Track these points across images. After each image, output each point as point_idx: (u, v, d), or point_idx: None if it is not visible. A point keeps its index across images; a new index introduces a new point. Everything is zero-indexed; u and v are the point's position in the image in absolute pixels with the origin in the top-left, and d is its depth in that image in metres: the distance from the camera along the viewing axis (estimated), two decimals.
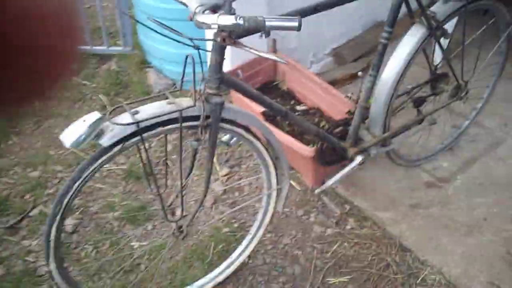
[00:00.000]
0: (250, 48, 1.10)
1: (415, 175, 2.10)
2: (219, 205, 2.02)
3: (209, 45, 1.23)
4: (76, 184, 1.21)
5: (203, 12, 1.10)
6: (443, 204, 1.96)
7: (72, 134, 1.13)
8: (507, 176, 2.07)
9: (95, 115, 1.16)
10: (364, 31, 2.87)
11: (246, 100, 2.01)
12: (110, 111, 1.22)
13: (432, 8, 1.65)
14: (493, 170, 2.11)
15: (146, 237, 1.88)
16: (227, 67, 2.22)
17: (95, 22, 2.86)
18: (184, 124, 1.27)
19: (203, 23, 1.01)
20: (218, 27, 1.01)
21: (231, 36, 1.11)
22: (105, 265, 1.76)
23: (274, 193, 1.63)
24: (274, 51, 2.29)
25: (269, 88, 2.35)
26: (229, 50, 2.17)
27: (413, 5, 1.57)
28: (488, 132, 2.30)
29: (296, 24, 0.95)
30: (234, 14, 1.05)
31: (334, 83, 2.50)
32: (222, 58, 1.24)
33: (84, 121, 1.15)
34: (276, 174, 1.59)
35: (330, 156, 1.79)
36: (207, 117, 1.28)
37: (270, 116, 2.09)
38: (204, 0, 1.13)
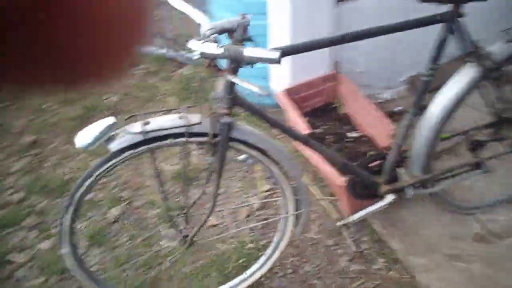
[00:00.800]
0: (234, 77, 1.11)
1: (465, 223, 1.92)
2: (252, 219, 2.04)
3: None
4: (87, 183, 1.32)
5: (213, 34, 1.14)
6: (488, 262, 1.77)
7: (85, 136, 1.24)
8: None
9: (109, 120, 1.26)
10: (447, 62, 2.67)
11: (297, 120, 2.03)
12: (125, 119, 1.32)
13: (491, 48, 1.51)
14: None
15: (176, 238, 1.97)
16: (286, 84, 2.25)
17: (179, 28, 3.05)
18: (193, 139, 1.32)
19: (189, 48, 1.05)
20: (201, 54, 1.04)
21: (213, 63, 1.13)
22: (133, 258, 1.88)
23: (292, 218, 1.61)
24: (336, 73, 2.25)
25: (327, 110, 2.32)
26: (289, 67, 2.22)
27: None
28: None
29: (275, 57, 0.95)
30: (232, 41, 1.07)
31: (402, 112, 2.39)
32: (231, 84, 1.26)
33: (97, 125, 1.25)
34: (295, 200, 1.57)
35: (363, 190, 1.72)
36: (216, 135, 1.32)
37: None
38: (217, 23, 1.17)
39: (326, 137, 2.16)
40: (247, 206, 2.08)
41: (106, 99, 2.71)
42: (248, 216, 2.06)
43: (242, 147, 1.39)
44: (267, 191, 2.16)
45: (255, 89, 1.02)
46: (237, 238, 1.95)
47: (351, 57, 2.38)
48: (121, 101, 2.68)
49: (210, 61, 1.12)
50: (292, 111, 2.07)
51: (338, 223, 1.75)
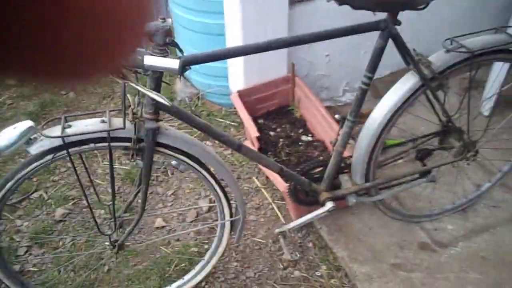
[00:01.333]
0: (136, 84, 1.07)
1: (412, 232, 1.91)
2: (198, 223, 2.01)
3: None
4: (8, 185, 1.28)
5: None
6: (430, 271, 1.75)
7: (3, 138, 1.20)
8: None
9: (26, 124, 1.22)
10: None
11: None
12: (45, 122, 1.29)
13: (431, 57, 1.48)
14: (505, 245, 1.84)
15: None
16: (240, 86, 2.22)
17: None
18: (116, 144, 1.29)
19: None
20: None
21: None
22: (75, 259, 1.85)
23: (228, 225, 1.59)
24: (293, 75, 2.22)
25: (283, 113, 2.29)
26: (242, 68, 2.18)
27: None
28: None
29: (175, 66, 0.91)
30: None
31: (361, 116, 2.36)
32: (157, 85, 1.23)
33: (15, 128, 1.21)
34: (229, 206, 1.55)
35: (304, 196, 1.70)
36: (141, 140, 1.28)
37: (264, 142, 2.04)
38: None
39: (280, 140, 2.13)
40: (195, 208, 2.05)
41: (64, 94, 2.66)
42: (195, 218, 2.03)
43: (170, 152, 1.36)
44: None
45: (158, 98, 0.99)
46: (182, 241, 1.93)
47: (312, 59, 2.35)
48: (78, 97, 2.63)
49: None
50: (243, 113, 2.03)
51: (276, 230, 1.72)
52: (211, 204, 2.02)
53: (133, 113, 1.27)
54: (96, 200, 2.06)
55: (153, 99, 1.23)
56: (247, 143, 1.96)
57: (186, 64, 1.08)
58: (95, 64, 0.30)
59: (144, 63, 0.95)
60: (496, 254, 1.81)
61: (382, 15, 1.34)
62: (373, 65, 1.41)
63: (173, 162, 1.44)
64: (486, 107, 2.36)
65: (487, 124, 1.67)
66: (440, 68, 1.46)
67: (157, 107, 1.27)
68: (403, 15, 1.33)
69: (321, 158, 1.98)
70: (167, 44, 1.16)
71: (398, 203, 2.01)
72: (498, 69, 2.10)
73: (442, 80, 1.48)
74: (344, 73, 2.51)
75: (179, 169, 1.44)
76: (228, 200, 1.53)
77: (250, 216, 2.02)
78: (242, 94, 2.16)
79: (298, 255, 1.84)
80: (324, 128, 2.04)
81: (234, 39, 2.11)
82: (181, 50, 1.23)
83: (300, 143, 2.12)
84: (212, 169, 1.47)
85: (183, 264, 1.82)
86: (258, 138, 1.95)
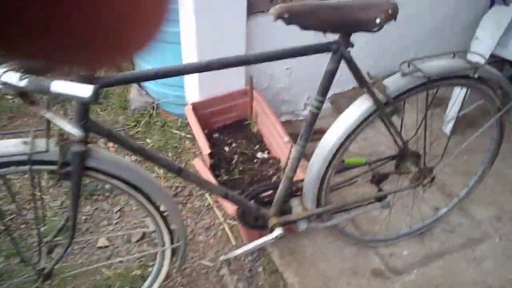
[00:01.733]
0: (45, 112, 0.96)
1: (367, 257, 1.84)
2: (144, 243, 1.90)
3: None
4: None
5: None
6: None
7: None
8: (473, 284, 1.75)
9: None
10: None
11: None
12: None
13: (386, 80, 1.41)
14: (460, 271, 1.79)
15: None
16: (195, 97, 2.11)
17: None
18: (39, 167, 1.17)
19: None
20: (4, 83, 0.88)
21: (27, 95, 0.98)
22: (5, 280, 1.71)
23: (168, 251, 1.48)
24: (251, 89, 2.13)
25: (240, 127, 2.19)
26: (196, 82, 2.07)
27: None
28: (474, 225, 1.97)
29: (86, 95, 0.81)
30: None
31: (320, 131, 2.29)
32: (84, 107, 1.11)
33: None
34: (169, 233, 1.44)
35: (254, 220, 1.61)
36: (67, 163, 1.17)
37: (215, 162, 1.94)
38: None
39: (234, 156, 2.03)
40: (141, 228, 1.93)
41: (11, 99, 2.50)
42: (141, 239, 1.91)
43: (101, 177, 1.25)
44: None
45: (67, 128, 0.88)
46: (126, 263, 1.81)
47: (272, 72, 2.26)
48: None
49: (19, 93, 0.96)
50: (196, 128, 1.93)
51: (221, 258, 1.63)
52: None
53: (60, 135, 1.16)
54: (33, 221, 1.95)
55: (80, 118, 1.12)
56: (199, 159, 1.86)
57: (104, 86, 0.97)
58: (107, 52, 0.29)
59: (51, 89, 0.83)
60: (450, 281, 1.76)
61: (334, 36, 1.26)
62: (324, 88, 1.33)
63: (107, 186, 1.33)
64: (448, 127, 2.32)
65: (444, 149, 1.61)
66: (395, 92, 1.39)
67: (85, 128, 1.15)
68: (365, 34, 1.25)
69: (272, 180, 1.90)
70: None
71: (354, 226, 1.94)
72: (458, 91, 2.07)
73: (397, 105, 1.41)
74: (306, 87, 2.43)
75: (114, 192, 1.33)
76: (168, 226, 1.43)
77: (199, 236, 1.92)
78: (196, 107, 2.06)
79: (246, 284, 1.75)
80: (280, 145, 1.96)
81: (189, 48, 2.00)
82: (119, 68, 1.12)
83: (255, 160, 2.03)
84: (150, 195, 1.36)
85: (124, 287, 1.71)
86: (211, 155, 1.85)
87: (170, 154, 2.24)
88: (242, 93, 2.14)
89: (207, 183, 1.41)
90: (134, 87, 2.44)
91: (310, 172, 1.51)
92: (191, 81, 2.13)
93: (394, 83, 1.40)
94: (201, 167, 1.79)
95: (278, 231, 1.54)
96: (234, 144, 2.10)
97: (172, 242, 1.47)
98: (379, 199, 1.69)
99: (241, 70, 2.11)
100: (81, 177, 1.20)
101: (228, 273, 1.77)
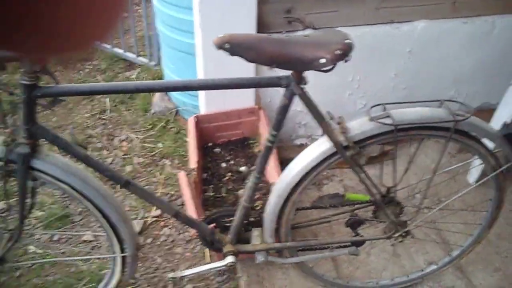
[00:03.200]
0: None
1: None
2: None
3: None
4: None
5: None
6: None
7: None
8: None
9: None
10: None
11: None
12: None
13: (353, 123, 1.33)
14: None
15: (47, 246, 1.93)
16: (202, 110, 2.14)
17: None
18: None
19: None
20: None
21: None
22: None
23: (119, 259, 1.52)
24: (258, 108, 2.11)
25: (244, 145, 2.18)
26: (203, 94, 2.10)
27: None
28: None
29: None
30: None
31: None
32: (30, 111, 1.18)
33: None
34: (119, 241, 1.47)
35: (210, 244, 1.59)
36: (12, 161, 1.25)
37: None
38: None
39: (228, 174, 2.02)
40: None
41: None
42: None
43: (48, 178, 1.31)
44: (157, 217, 2.06)
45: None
46: (102, 259, 1.88)
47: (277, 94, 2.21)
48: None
49: None
50: (192, 140, 1.95)
51: (169, 275, 1.62)
52: None
53: (10, 134, 1.24)
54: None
55: (26, 122, 1.19)
56: (185, 171, 1.88)
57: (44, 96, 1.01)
58: (69, 41, 0.29)
59: None
60: None
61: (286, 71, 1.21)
62: (277, 122, 1.28)
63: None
64: (472, 177, 2.12)
65: (421, 202, 1.46)
66: (358, 137, 1.30)
67: (31, 132, 1.21)
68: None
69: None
70: (36, 72, 1.12)
71: (334, 265, 1.84)
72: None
73: (359, 150, 1.32)
74: (325, 111, 2.35)
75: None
76: (117, 235, 1.46)
77: (177, 248, 1.93)
78: (201, 120, 2.08)
79: None
80: (272, 169, 1.91)
81: (199, 64, 2.02)
82: (55, 79, 1.17)
83: (247, 181, 1.99)
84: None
85: (92, 284, 1.77)
86: (198, 169, 1.86)
87: (176, 161, 2.28)
88: (250, 112, 2.12)
89: (157, 200, 1.42)
90: (158, 92, 2.53)
91: (269, 206, 1.46)
92: (201, 93, 2.15)
93: (359, 127, 1.31)
94: (183, 181, 1.80)
95: (229, 259, 1.51)
96: (232, 162, 2.09)
97: (122, 251, 1.50)
98: (352, 244, 1.59)
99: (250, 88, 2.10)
100: (26, 176, 1.27)
101: None
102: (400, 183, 1.46)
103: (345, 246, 1.60)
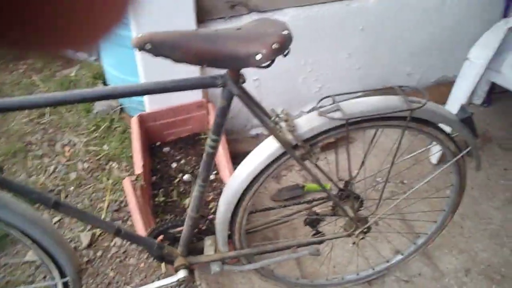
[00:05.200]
0: None
1: None
2: None
3: None
4: None
5: None
6: None
7: None
8: None
9: None
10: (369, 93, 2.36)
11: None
12: None
13: (301, 119, 1.21)
14: None
15: None
16: (147, 108, 1.98)
17: None
18: None
19: None
20: None
21: None
22: None
23: (60, 285, 1.37)
24: (207, 101, 1.97)
25: (195, 141, 2.04)
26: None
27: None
28: (436, 277, 1.72)
29: None
30: None
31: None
32: None
33: None
34: (57, 266, 1.33)
35: (160, 258, 1.46)
36: None
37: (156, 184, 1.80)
38: None
39: (179, 175, 1.89)
40: (73, 242, 1.84)
41: None
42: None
43: None
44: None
45: None
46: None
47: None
48: None
49: None
50: (135, 143, 1.80)
51: None
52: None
53: None
54: None
55: None
56: (130, 178, 1.73)
57: None
58: (67, 37, 0.27)
59: None
60: None
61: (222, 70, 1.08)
62: (217, 127, 1.15)
63: None
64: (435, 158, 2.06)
65: (380, 197, 1.38)
66: (308, 134, 1.19)
67: None
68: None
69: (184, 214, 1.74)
70: None
71: (297, 264, 1.75)
72: None
73: (310, 148, 1.21)
74: (280, 99, 2.24)
75: None
76: (54, 260, 1.31)
77: (130, 259, 1.80)
78: (145, 119, 1.93)
79: None
80: (224, 167, 1.79)
81: (138, 59, 1.86)
82: None
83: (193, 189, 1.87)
84: None
85: None
86: (144, 173, 1.72)
87: (124, 164, 2.13)
88: (198, 106, 1.98)
89: (93, 219, 1.27)
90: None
91: (219, 213, 1.34)
92: None
93: (308, 123, 1.19)
94: (128, 189, 1.66)
95: (181, 274, 1.39)
96: (182, 161, 1.95)
97: (62, 276, 1.35)
98: (313, 243, 1.50)
99: None
100: None
101: None
102: (360, 174, 1.36)
103: (307, 244, 1.51)
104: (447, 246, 1.81)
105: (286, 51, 1.02)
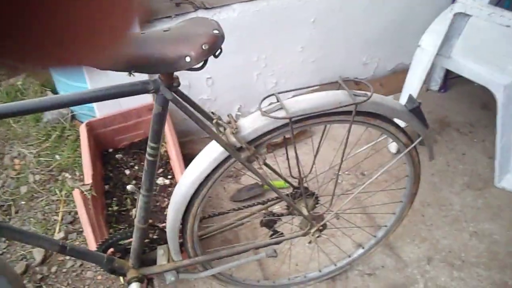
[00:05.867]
0: None
1: None
2: (27, 276, 1.73)
3: None
4: None
5: None
6: None
7: None
8: None
9: None
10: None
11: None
12: None
13: (245, 119, 1.17)
14: None
15: None
16: (97, 113, 1.91)
17: None
18: None
19: None
20: None
21: None
22: None
23: None
24: None
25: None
26: None
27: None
28: (399, 267, 1.71)
29: None
30: None
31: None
32: None
33: None
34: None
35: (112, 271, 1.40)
36: None
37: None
38: None
39: (132, 182, 1.83)
40: (25, 261, 1.76)
41: None
42: (25, 271, 1.74)
43: None
44: (64, 239, 1.84)
45: None
46: None
47: (190, 82, 2.02)
48: None
49: None
50: (84, 151, 1.73)
51: None
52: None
53: None
54: None
55: None
56: (80, 189, 1.66)
57: None
58: (73, 50, 0.26)
59: None
60: None
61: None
62: (155, 133, 1.09)
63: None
64: (393, 147, 2.05)
65: (333, 193, 1.34)
66: (252, 135, 1.14)
67: None
68: None
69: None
70: None
71: (259, 264, 1.72)
72: None
73: (255, 149, 1.16)
74: (235, 96, 2.19)
75: None
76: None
77: (87, 272, 1.73)
78: (94, 126, 1.85)
79: None
80: (177, 169, 1.73)
81: None
82: None
83: (154, 187, 1.81)
84: None
85: None
86: (97, 182, 1.65)
87: (77, 173, 2.05)
88: (150, 109, 1.92)
89: (33, 237, 1.20)
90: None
91: (168, 221, 1.29)
92: None
93: (251, 124, 1.15)
94: (78, 200, 1.59)
95: (134, 287, 1.33)
96: (136, 167, 1.89)
97: None
98: (270, 244, 1.46)
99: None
100: None
101: None
102: (320, 169, 1.34)
103: (265, 246, 1.47)
104: (409, 235, 1.80)
105: (218, 51, 0.97)
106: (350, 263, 1.66)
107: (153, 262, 1.40)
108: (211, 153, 1.17)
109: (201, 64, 0.98)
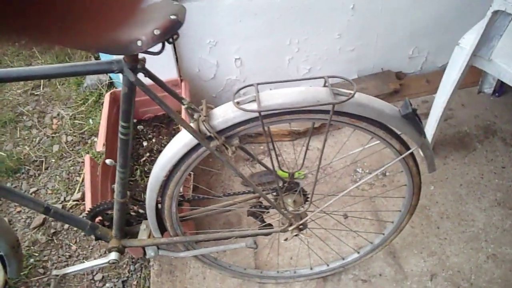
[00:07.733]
0: None
1: None
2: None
3: None
4: None
5: None
6: None
7: None
8: None
9: None
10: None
11: None
12: None
13: (218, 108, 1.14)
14: None
15: None
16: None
17: None
18: None
19: None
20: None
21: None
22: None
23: None
24: (180, 79, 1.93)
25: (169, 119, 2.02)
26: None
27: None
28: (397, 279, 1.61)
29: None
30: None
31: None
32: None
33: None
34: None
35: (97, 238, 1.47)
36: None
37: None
38: None
39: (146, 154, 1.88)
40: None
41: None
42: (42, 224, 1.88)
43: None
44: (78, 200, 1.95)
45: None
46: None
47: (218, 61, 2.02)
48: None
49: None
50: (103, 120, 1.80)
51: (54, 272, 1.51)
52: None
53: None
54: None
55: None
56: (91, 155, 1.74)
57: None
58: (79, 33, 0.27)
59: None
60: None
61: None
62: (125, 113, 1.11)
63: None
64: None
65: (312, 192, 1.28)
66: (222, 125, 1.12)
67: None
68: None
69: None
70: None
71: (253, 253, 1.71)
72: None
73: (225, 140, 1.14)
74: (264, 79, 2.14)
75: None
76: None
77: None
78: (118, 95, 1.91)
79: None
80: None
81: None
82: None
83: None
84: None
85: None
86: (109, 151, 1.73)
87: None
88: (173, 84, 1.94)
89: (20, 198, 1.28)
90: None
91: (146, 199, 1.31)
92: None
93: (223, 114, 1.13)
94: (87, 165, 1.67)
95: (112, 256, 1.39)
96: (154, 140, 1.93)
97: None
98: (253, 235, 1.44)
99: (170, 56, 1.91)
100: None
101: (102, 279, 1.68)
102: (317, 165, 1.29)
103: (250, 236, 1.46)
104: (417, 247, 1.69)
105: (175, 37, 0.96)
106: (343, 266, 1.60)
107: (136, 235, 1.44)
108: (182, 139, 1.16)
109: (159, 49, 0.97)
